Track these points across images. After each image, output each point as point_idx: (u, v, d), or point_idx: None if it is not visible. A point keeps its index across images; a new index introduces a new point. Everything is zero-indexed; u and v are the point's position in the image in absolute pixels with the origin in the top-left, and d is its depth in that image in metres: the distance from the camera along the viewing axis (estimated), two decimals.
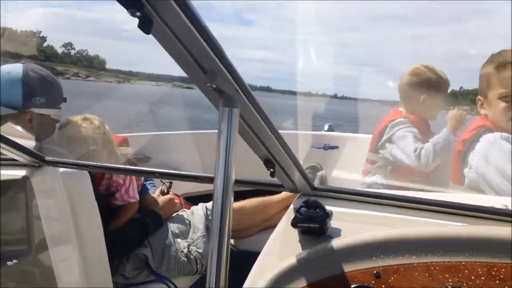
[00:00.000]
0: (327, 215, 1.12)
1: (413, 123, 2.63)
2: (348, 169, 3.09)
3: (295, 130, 3.88)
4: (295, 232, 1.16)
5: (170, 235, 2.30)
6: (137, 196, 2.29)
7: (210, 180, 0.87)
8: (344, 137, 3.72)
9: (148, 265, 2.20)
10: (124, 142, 2.49)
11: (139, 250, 2.20)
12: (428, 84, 2.62)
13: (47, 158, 1.62)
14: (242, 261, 1.31)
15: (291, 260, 1.02)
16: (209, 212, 2.50)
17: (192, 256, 2.28)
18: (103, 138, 2.12)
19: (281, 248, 1.14)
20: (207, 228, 2.42)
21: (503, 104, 1.86)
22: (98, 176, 2.13)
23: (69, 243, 1.78)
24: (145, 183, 2.60)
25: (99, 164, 1.77)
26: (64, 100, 2.10)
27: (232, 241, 2.83)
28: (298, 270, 1.00)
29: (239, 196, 2.69)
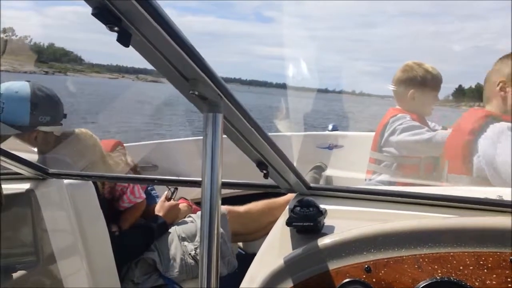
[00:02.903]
0: (321, 213, 1.14)
1: (413, 119, 2.64)
2: (354, 167, 3.10)
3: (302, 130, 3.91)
4: (291, 231, 1.18)
5: (176, 239, 2.33)
6: (143, 195, 2.34)
7: (198, 184, 0.90)
8: (348, 136, 3.74)
9: (156, 269, 2.23)
10: (118, 145, 2.51)
11: (146, 255, 2.23)
12: (416, 81, 2.63)
13: (51, 170, 1.66)
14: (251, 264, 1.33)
15: (286, 258, 1.05)
16: None
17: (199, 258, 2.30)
18: (97, 149, 2.19)
19: (277, 247, 1.16)
20: None
21: None
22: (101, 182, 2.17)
23: (77, 255, 1.82)
24: (150, 191, 2.63)
25: (101, 174, 1.81)
26: (65, 116, 2.16)
27: (240, 244, 2.86)
28: (292, 267, 1.03)
29: (245, 200, 2.73)
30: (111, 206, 2.21)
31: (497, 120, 1.92)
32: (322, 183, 3.09)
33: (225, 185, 0.94)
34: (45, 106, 2.05)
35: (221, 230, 2.50)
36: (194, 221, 2.48)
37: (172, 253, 2.28)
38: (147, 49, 0.73)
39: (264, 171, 1.18)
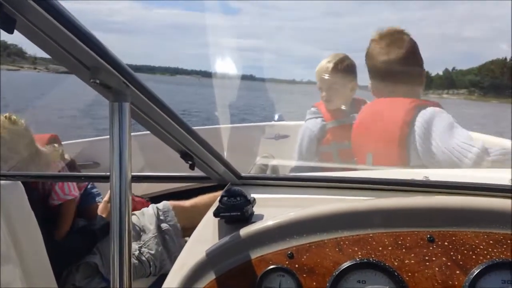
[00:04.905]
0: (249, 202, 1.13)
1: (320, 110, 2.70)
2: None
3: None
4: (220, 222, 1.16)
5: None
6: (75, 193, 2.24)
7: (106, 178, 0.85)
8: (293, 125, 3.75)
9: (99, 272, 2.17)
10: (53, 139, 2.41)
11: (88, 258, 2.17)
12: (332, 72, 2.66)
13: None
14: None
15: (211, 249, 1.03)
16: (160, 213, 2.48)
17: (144, 258, 2.26)
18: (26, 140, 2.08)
19: (206, 238, 1.14)
20: (159, 229, 2.41)
21: None
22: None
23: (10, 262, 1.72)
24: (91, 191, 2.55)
25: (31, 173, 1.72)
26: None
27: (187, 239, 2.82)
28: (217, 258, 1.01)
29: (192, 194, 2.70)
30: (44, 205, 2.11)
31: (424, 107, 1.96)
32: (268, 173, 3.08)
33: (138, 178, 0.90)
34: None
35: (167, 226, 2.46)
36: (138, 220, 2.43)
37: None
38: (37, 36, 0.68)
39: (190, 162, 1.16)
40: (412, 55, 2.13)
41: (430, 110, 1.93)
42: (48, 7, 0.62)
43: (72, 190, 2.23)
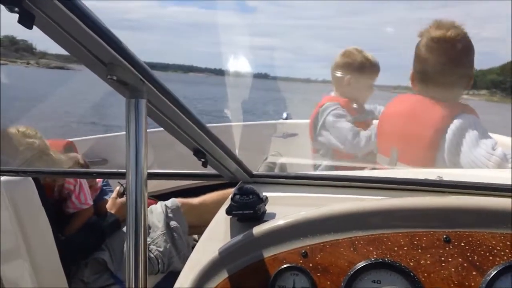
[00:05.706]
0: (261, 200, 1.12)
1: (341, 105, 2.67)
2: (307, 155, 3.11)
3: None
4: (232, 220, 1.16)
5: None
6: (90, 202, 2.26)
7: (122, 175, 0.85)
8: (301, 124, 3.74)
9: (107, 269, 2.17)
10: (68, 146, 2.43)
11: (97, 255, 2.17)
12: (353, 66, 2.64)
13: None
14: None
15: (224, 247, 1.03)
16: (168, 210, 2.48)
17: (152, 256, 2.26)
18: (39, 148, 2.08)
19: (218, 236, 1.13)
20: (167, 226, 2.41)
21: None
22: (48, 183, 2.09)
23: (19, 256, 1.74)
24: (104, 188, 2.55)
25: (42, 169, 1.72)
26: None
27: (195, 237, 2.82)
28: (230, 256, 1.01)
29: (200, 192, 2.69)
30: (58, 208, 2.13)
31: (460, 114, 1.91)
32: (276, 172, 3.08)
33: (154, 176, 0.91)
34: None
35: (175, 224, 2.46)
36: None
37: (123, 252, 2.22)
38: (56, 32, 0.68)
39: (202, 159, 1.15)
40: (460, 56, 2.01)
41: (466, 119, 1.89)
42: (67, 2, 0.62)
43: (88, 199, 2.25)
